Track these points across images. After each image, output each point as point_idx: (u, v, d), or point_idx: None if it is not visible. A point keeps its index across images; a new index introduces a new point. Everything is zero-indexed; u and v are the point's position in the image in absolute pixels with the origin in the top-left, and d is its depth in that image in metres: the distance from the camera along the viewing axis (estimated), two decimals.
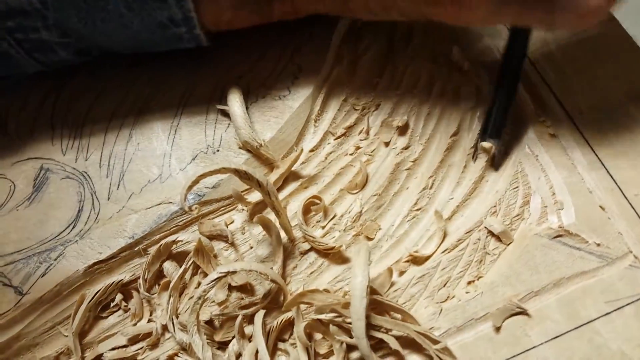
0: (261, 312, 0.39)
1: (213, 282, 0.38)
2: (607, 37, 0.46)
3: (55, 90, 0.48)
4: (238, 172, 0.39)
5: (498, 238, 0.41)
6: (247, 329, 0.40)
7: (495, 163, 0.43)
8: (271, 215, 0.42)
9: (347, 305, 0.38)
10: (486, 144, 0.42)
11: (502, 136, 0.43)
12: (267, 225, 0.41)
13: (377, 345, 0.38)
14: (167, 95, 0.47)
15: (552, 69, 0.45)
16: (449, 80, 0.46)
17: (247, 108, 0.46)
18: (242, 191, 0.44)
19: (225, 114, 0.46)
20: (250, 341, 0.39)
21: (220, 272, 0.38)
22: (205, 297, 0.38)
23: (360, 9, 0.41)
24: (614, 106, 0.43)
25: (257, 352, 0.38)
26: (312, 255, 0.43)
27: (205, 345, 0.38)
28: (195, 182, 0.38)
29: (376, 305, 0.39)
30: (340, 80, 0.47)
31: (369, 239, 0.43)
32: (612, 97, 0.44)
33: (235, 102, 0.45)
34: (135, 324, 0.41)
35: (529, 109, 0.44)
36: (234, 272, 0.39)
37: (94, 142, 0.46)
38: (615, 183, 0.41)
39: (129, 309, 0.42)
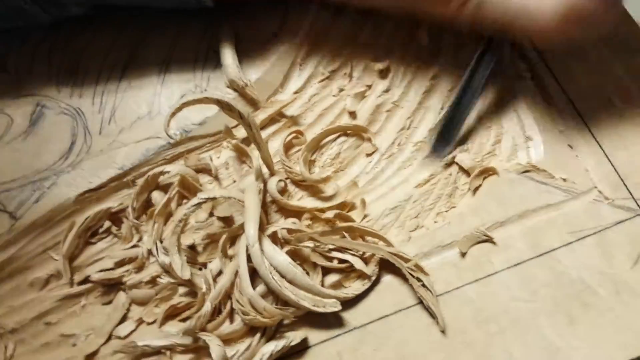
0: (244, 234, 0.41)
1: (194, 207, 0.40)
2: None
3: (53, 30, 0.50)
4: (220, 103, 0.40)
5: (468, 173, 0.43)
6: (230, 251, 0.42)
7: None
8: (255, 152, 0.44)
9: (324, 233, 0.40)
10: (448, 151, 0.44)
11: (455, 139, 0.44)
12: (242, 152, 0.43)
13: (348, 268, 0.40)
14: (159, 36, 0.49)
15: None
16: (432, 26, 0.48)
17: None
18: (232, 127, 0.46)
19: (215, 56, 0.48)
20: (231, 261, 0.41)
21: (201, 198, 0.40)
22: (187, 220, 0.40)
23: None
24: (587, 49, 0.45)
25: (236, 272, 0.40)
26: (292, 189, 0.44)
27: (184, 265, 0.40)
28: (179, 109, 0.39)
29: (350, 232, 0.41)
30: (326, 25, 0.49)
31: (369, 155, 0.45)
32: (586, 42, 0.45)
33: (226, 41, 0.47)
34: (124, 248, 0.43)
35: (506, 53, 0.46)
36: (214, 198, 0.41)
37: (88, 80, 0.49)
38: (584, 122, 0.42)
39: (121, 233, 0.44)
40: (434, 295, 0.38)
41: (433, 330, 0.38)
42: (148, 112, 0.47)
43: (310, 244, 0.40)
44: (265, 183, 0.43)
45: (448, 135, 0.44)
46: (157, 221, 0.43)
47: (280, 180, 0.43)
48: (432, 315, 0.38)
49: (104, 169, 0.45)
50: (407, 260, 0.39)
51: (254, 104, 0.47)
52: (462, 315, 0.38)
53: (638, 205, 0.40)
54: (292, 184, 0.45)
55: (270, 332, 0.39)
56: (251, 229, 0.39)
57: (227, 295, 0.40)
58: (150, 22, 0.50)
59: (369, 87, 0.47)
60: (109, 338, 0.41)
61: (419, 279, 0.38)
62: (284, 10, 0.50)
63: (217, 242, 0.42)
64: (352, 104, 0.46)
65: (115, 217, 0.45)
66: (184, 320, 0.40)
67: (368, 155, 0.45)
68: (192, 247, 0.43)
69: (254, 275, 0.39)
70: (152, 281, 0.42)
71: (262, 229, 0.40)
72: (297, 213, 0.43)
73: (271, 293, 0.39)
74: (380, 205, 0.43)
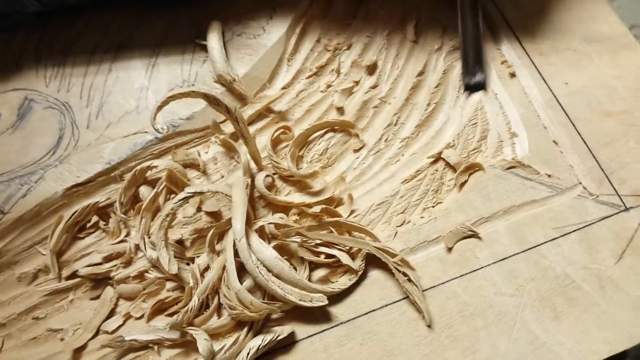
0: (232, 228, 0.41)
1: (181, 201, 0.40)
2: None
3: (41, 25, 0.50)
4: (207, 97, 0.40)
5: (454, 169, 0.43)
6: (217, 247, 0.42)
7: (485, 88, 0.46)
8: (242, 147, 0.44)
9: (310, 228, 0.40)
10: (478, 79, 0.45)
11: (482, 66, 0.45)
12: (229, 147, 0.43)
13: (335, 263, 0.40)
14: (147, 32, 0.49)
15: (515, 9, 0.47)
16: (419, 20, 0.48)
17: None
18: (220, 122, 0.46)
19: (202, 51, 0.48)
20: (219, 256, 0.41)
21: (189, 192, 0.40)
22: (174, 215, 0.40)
23: None
24: (573, 49, 0.45)
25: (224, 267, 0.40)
26: (280, 184, 0.45)
27: (172, 259, 0.40)
28: (165, 102, 0.39)
29: (337, 227, 0.41)
30: (315, 21, 0.49)
31: (356, 151, 0.45)
32: (571, 40, 0.45)
33: (214, 36, 0.47)
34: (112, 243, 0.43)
35: (491, 49, 0.46)
36: (201, 193, 0.41)
37: (76, 75, 0.48)
38: (569, 119, 0.43)
39: (109, 228, 0.44)
40: (420, 290, 0.38)
41: (419, 325, 0.38)
42: (136, 106, 0.47)
43: (298, 238, 0.41)
44: (253, 178, 0.44)
45: (472, 66, 0.45)
46: (145, 216, 0.43)
47: (267, 176, 0.43)
48: (418, 310, 0.38)
49: (91, 163, 0.45)
50: (393, 255, 0.39)
51: (242, 99, 0.47)
52: (447, 310, 0.38)
53: (622, 201, 0.40)
54: (280, 179, 0.45)
55: (258, 327, 0.39)
56: (238, 224, 0.39)
57: (215, 289, 0.40)
58: (138, 17, 0.50)
59: (357, 83, 0.47)
60: (97, 333, 0.41)
61: (405, 274, 0.39)
62: (273, 5, 0.49)
63: (205, 237, 0.42)
64: (339, 100, 0.46)
65: (103, 211, 0.45)
66: (171, 315, 0.40)
67: (355, 151, 0.45)
68: (179, 242, 0.43)
69: (242, 270, 0.39)
70: (140, 276, 0.42)
71: (249, 223, 0.40)
72: (285, 208, 0.43)
73: (258, 287, 0.39)
74: (368, 201, 0.43)
